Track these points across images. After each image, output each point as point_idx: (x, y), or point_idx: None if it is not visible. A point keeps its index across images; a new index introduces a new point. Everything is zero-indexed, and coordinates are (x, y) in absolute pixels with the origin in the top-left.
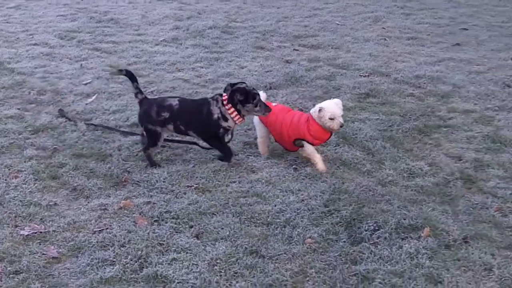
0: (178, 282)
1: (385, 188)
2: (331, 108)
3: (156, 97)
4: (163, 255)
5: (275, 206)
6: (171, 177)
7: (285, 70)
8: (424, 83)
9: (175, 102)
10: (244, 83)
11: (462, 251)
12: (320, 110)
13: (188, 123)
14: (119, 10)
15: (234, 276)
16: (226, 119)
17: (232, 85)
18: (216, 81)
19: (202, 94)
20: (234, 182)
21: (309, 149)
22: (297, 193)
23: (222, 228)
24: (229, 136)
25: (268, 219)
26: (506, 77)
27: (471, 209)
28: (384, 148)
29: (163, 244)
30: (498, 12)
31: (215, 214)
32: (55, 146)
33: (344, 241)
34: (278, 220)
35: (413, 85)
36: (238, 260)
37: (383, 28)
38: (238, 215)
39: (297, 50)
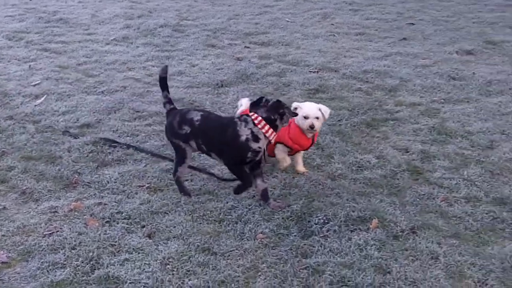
0: (130, 283)
1: (335, 182)
2: (307, 107)
3: (182, 107)
4: (114, 256)
5: (227, 203)
6: (122, 177)
7: (236, 68)
8: (372, 77)
9: (197, 116)
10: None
11: (409, 241)
12: (296, 109)
13: (210, 143)
14: (68, 10)
15: (187, 274)
16: (257, 140)
17: (264, 101)
18: (168, 80)
19: (154, 93)
20: (186, 180)
21: (277, 152)
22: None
23: (174, 227)
24: (262, 162)
25: (220, 216)
26: (451, 70)
27: (418, 200)
28: (333, 142)
29: (115, 245)
30: (444, 7)
31: (167, 213)
32: (3, 149)
33: (295, 235)
34: (230, 216)
35: (361, 80)
36: (191, 258)
37: (332, 24)
38: (190, 213)
39: (248, 47)
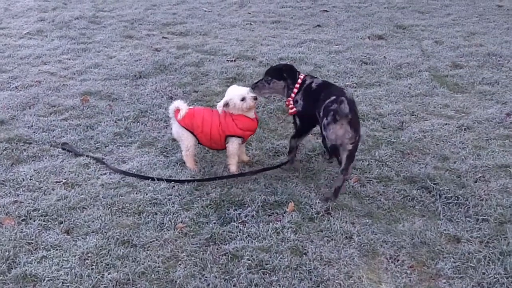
0: (48, 280)
1: (252, 168)
2: (232, 92)
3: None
4: (32, 254)
5: (147, 194)
6: (38, 174)
7: (154, 58)
8: None
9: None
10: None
11: (324, 223)
12: (227, 104)
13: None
14: None
15: (106, 267)
16: None
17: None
18: (84, 73)
19: (70, 86)
20: (105, 174)
21: (232, 148)
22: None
23: (93, 221)
24: None
25: (140, 208)
26: (363, 55)
27: (332, 181)
28: None
29: (32, 243)
30: None
31: (85, 208)
32: None
33: (214, 223)
34: (149, 208)
35: None
36: (110, 252)
37: (249, 13)
38: (109, 206)
39: (166, 38)
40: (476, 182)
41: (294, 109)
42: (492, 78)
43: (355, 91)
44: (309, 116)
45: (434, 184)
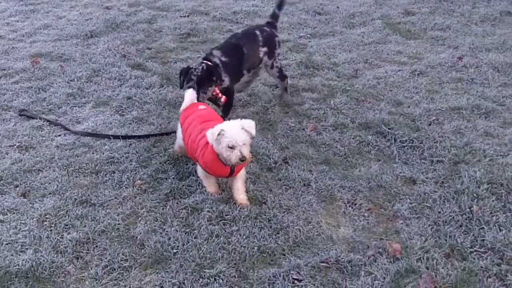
0: (7, 244)
1: None
2: (233, 132)
3: None
4: None
5: (103, 154)
6: None
7: (105, 17)
8: (241, 18)
9: None
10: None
11: (282, 171)
12: (219, 134)
13: None
14: None
15: (65, 228)
16: None
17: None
18: (34, 34)
19: (19, 49)
20: (59, 136)
21: (199, 170)
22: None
23: (50, 183)
24: None
25: (97, 168)
26: (317, 6)
27: (289, 132)
28: None
29: None
30: None
31: (41, 170)
32: None
33: (173, 178)
34: (106, 167)
35: (231, 21)
36: (68, 212)
37: None
38: (65, 168)
39: None
40: (430, 125)
41: (223, 97)
42: (444, 23)
43: (309, 41)
44: (238, 79)
45: (389, 129)
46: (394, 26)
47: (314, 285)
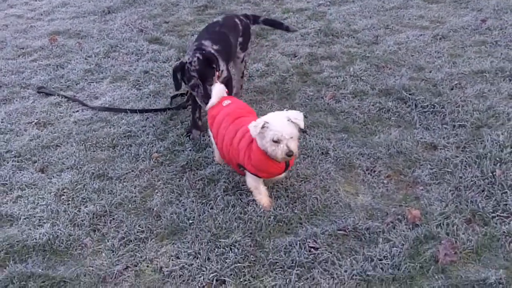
0: (25, 218)
1: None
2: (278, 125)
3: None
4: (7, 194)
5: (120, 128)
6: (10, 116)
7: None
8: None
9: None
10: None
11: (300, 140)
12: (263, 127)
13: None
14: None
15: (83, 201)
16: None
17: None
18: (52, 12)
19: (38, 27)
20: (77, 111)
21: (249, 182)
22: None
23: (67, 158)
24: None
25: (114, 142)
26: None
27: (307, 100)
28: None
29: (6, 184)
30: None
31: (59, 146)
32: None
33: (190, 150)
34: (123, 141)
35: None
36: (85, 186)
37: None
38: (82, 142)
39: None
40: (452, 89)
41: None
42: None
43: (329, 9)
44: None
45: (410, 94)
46: None
47: (331, 253)
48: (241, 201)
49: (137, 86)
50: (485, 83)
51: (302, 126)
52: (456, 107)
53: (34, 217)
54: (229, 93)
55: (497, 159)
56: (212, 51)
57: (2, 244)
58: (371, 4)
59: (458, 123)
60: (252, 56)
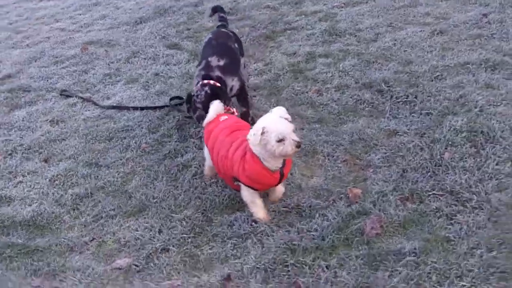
0: (20, 199)
1: None
2: (276, 125)
3: None
4: (10, 180)
5: (120, 123)
6: (30, 116)
7: (156, 4)
8: None
9: None
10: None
11: None
12: (263, 133)
13: None
14: None
15: (71, 185)
16: None
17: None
18: (91, 24)
19: (75, 38)
20: (88, 110)
21: (245, 195)
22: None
23: (68, 150)
24: None
25: (111, 135)
26: None
27: (293, 95)
28: None
29: (13, 172)
30: None
31: (64, 140)
32: None
33: (176, 141)
34: (119, 134)
35: None
36: (76, 173)
37: None
38: (84, 136)
39: None
40: (432, 81)
41: (234, 110)
42: None
43: (341, 10)
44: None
45: (388, 86)
46: None
47: (269, 226)
48: (205, 183)
49: (146, 87)
50: (467, 74)
51: (290, 119)
52: (428, 96)
53: (28, 198)
54: (244, 104)
55: (450, 143)
56: (219, 73)
57: None
58: (382, 3)
59: (425, 111)
60: (255, 57)
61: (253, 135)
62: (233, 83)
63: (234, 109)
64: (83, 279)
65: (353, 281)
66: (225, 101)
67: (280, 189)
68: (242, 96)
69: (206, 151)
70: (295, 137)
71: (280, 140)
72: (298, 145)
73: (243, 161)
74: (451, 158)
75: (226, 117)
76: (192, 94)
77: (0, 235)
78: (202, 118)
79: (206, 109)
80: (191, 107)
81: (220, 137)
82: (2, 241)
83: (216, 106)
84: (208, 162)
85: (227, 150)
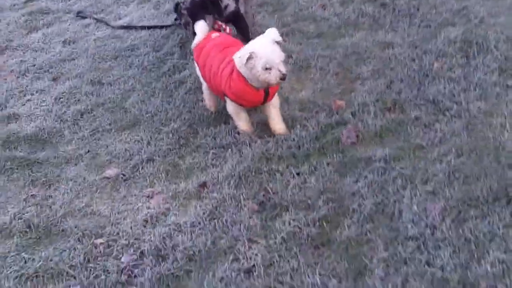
0: (26, 116)
1: None
2: (267, 52)
3: None
4: (20, 99)
5: (127, 42)
6: (46, 37)
7: None
8: None
9: None
10: None
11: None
12: (249, 58)
13: None
14: None
15: (74, 103)
16: None
17: None
18: None
19: None
20: (100, 31)
21: (229, 108)
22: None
23: (75, 69)
24: None
25: (116, 54)
26: None
27: (297, 11)
28: None
29: (23, 91)
30: None
31: (74, 59)
32: None
33: (177, 58)
34: (124, 53)
35: None
36: (80, 90)
37: None
38: (92, 56)
39: None
40: None
41: (228, 28)
42: None
43: None
44: None
45: None
46: None
47: (250, 137)
48: (197, 98)
49: (156, 7)
50: None
51: (281, 40)
52: (431, 9)
53: (33, 115)
54: (244, 36)
55: (442, 53)
56: None
57: (1, 136)
58: None
59: (425, 23)
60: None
61: (238, 57)
62: (228, 1)
63: (228, 28)
64: (74, 188)
65: (319, 186)
66: (215, 15)
67: (275, 105)
68: (238, 24)
69: (198, 71)
70: (282, 68)
71: (267, 69)
72: (283, 77)
73: (230, 79)
74: (440, 68)
75: (217, 34)
76: (179, 1)
77: (5, 149)
78: (188, 24)
79: (192, 16)
80: (179, 15)
81: (212, 53)
82: (6, 154)
83: (200, 27)
84: (204, 89)
85: (217, 66)
